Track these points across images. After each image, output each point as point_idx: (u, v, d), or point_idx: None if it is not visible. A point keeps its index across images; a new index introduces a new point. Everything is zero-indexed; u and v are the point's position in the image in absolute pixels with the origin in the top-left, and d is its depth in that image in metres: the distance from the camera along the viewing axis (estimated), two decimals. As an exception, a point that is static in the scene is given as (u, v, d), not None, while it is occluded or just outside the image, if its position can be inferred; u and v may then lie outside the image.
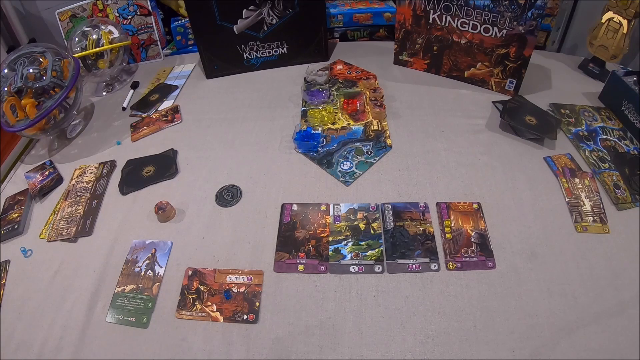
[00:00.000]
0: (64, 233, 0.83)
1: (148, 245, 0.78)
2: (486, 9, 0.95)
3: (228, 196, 0.85)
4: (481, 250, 0.72)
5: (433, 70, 1.14)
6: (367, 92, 1.07)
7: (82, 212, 0.86)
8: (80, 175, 0.96)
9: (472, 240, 0.74)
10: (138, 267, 0.75)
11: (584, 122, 0.95)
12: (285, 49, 1.20)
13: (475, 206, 0.79)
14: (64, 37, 1.29)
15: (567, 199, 0.79)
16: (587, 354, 0.59)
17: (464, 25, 1.00)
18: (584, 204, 0.78)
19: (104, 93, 1.24)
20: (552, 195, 0.80)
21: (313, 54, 1.22)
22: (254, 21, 1.14)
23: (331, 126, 0.99)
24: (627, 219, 0.75)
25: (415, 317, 0.65)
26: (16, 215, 0.88)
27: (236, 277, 0.72)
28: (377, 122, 0.98)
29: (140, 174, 0.93)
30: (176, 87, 1.19)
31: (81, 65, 1.09)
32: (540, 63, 1.15)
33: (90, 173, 0.95)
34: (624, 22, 0.98)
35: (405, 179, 0.85)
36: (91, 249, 0.80)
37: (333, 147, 0.93)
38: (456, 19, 1.00)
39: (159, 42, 1.33)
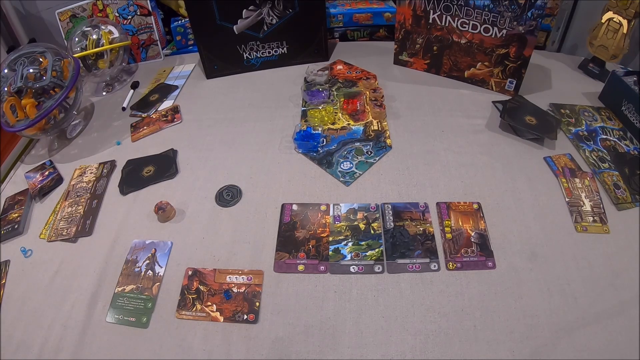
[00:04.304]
0: (64, 233, 0.83)
1: (148, 245, 0.78)
2: (486, 9, 0.95)
3: (228, 196, 0.85)
4: (481, 250, 0.72)
5: (433, 70, 1.14)
6: (367, 92, 1.07)
7: (82, 212, 0.86)
8: (80, 175, 0.96)
9: (472, 240, 0.74)
10: (138, 267, 0.75)
11: (584, 122, 0.95)
12: (285, 49, 1.20)
13: (475, 206, 0.79)
14: (64, 37, 1.29)
15: (567, 199, 0.79)
16: (587, 354, 0.59)
17: (464, 25, 1.00)
18: (584, 204, 0.78)
19: (104, 93, 1.24)
20: (552, 195, 0.80)
21: (313, 54, 1.22)
22: (254, 21, 1.14)
23: (331, 126, 0.99)
24: (627, 219, 0.76)
25: (415, 317, 0.65)
26: (16, 215, 0.88)
27: (236, 277, 0.72)
28: (377, 122, 0.98)
29: (140, 174, 0.93)
30: (176, 87, 1.19)
31: (81, 65, 1.09)
32: (540, 63, 1.15)
33: (90, 173, 0.95)
34: (624, 22, 0.98)
35: (405, 179, 0.85)
36: (91, 249, 0.80)
37: (333, 147, 0.93)
38: (456, 19, 1.00)
39: (159, 42, 1.33)
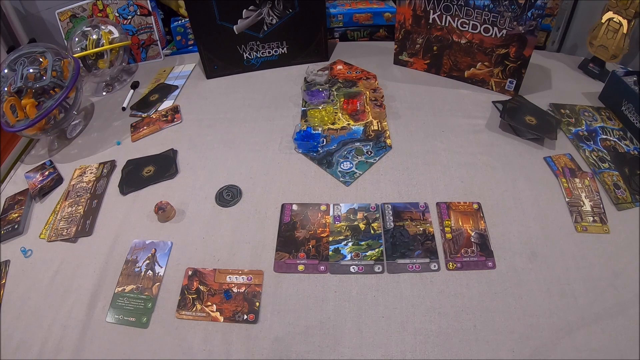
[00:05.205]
0: (64, 233, 0.83)
1: (148, 245, 0.78)
2: (486, 9, 0.95)
3: (228, 196, 0.85)
4: (481, 250, 0.72)
5: (433, 70, 1.14)
6: (367, 92, 1.07)
7: (82, 212, 0.86)
8: (80, 175, 0.96)
9: (472, 240, 0.74)
10: (138, 267, 0.75)
11: (584, 122, 0.95)
12: (285, 49, 1.20)
13: (475, 206, 0.79)
14: (64, 37, 1.29)
15: (567, 199, 0.79)
16: (587, 354, 0.59)
17: (464, 25, 1.00)
18: (584, 204, 0.78)
19: (104, 93, 1.24)
20: (552, 195, 0.80)
21: (313, 54, 1.22)
22: (254, 21, 1.14)
23: (331, 126, 0.99)
24: (627, 219, 0.76)
25: (415, 317, 0.65)
26: (16, 215, 0.88)
27: (236, 277, 0.72)
28: (377, 122, 0.98)
29: (140, 174, 0.93)
30: (176, 87, 1.19)
31: (81, 65, 1.09)
32: (540, 63, 1.15)
33: (90, 173, 0.95)
34: (624, 22, 0.98)
35: (405, 179, 0.85)
36: (91, 249, 0.80)
37: (333, 147, 0.93)
38: (456, 19, 1.00)
39: (159, 42, 1.33)
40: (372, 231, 0.76)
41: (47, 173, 0.98)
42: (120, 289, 0.72)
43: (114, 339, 0.66)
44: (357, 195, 0.83)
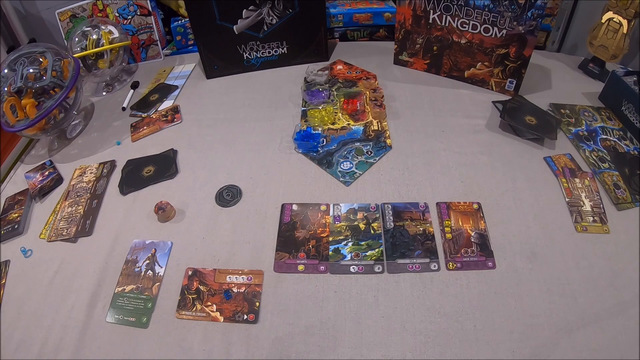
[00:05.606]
0: (64, 233, 0.83)
1: (148, 245, 0.78)
2: (486, 9, 0.95)
3: (228, 196, 0.85)
4: (481, 250, 0.72)
5: (433, 70, 1.14)
6: (367, 92, 1.07)
7: (82, 212, 0.86)
8: (80, 175, 0.96)
9: (472, 240, 0.74)
10: (138, 267, 0.75)
11: (584, 122, 0.95)
12: (285, 49, 1.20)
13: (475, 206, 0.79)
14: (64, 37, 1.29)
15: (567, 199, 0.79)
16: (587, 354, 0.59)
17: (464, 25, 1.00)
18: (584, 204, 0.78)
19: (104, 93, 1.24)
20: (552, 195, 0.80)
21: (313, 54, 1.22)
22: (254, 21, 1.14)
23: (331, 126, 0.99)
24: (627, 219, 0.76)
25: (415, 317, 0.65)
26: (16, 215, 0.88)
27: (236, 277, 0.72)
28: (377, 122, 0.98)
29: (140, 174, 0.93)
30: (176, 87, 1.19)
31: (81, 65, 1.09)
32: (540, 63, 1.15)
33: (90, 173, 0.95)
34: (624, 22, 0.98)
35: (405, 179, 0.85)
36: (91, 249, 0.80)
37: (333, 147, 0.93)
38: (456, 19, 1.00)
39: (159, 42, 1.33)
40: (372, 231, 0.76)
41: (47, 173, 0.98)
42: (120, 289, 0.72)
43: (114, 339, 0.66)
44: (357, 195, 0.83)
